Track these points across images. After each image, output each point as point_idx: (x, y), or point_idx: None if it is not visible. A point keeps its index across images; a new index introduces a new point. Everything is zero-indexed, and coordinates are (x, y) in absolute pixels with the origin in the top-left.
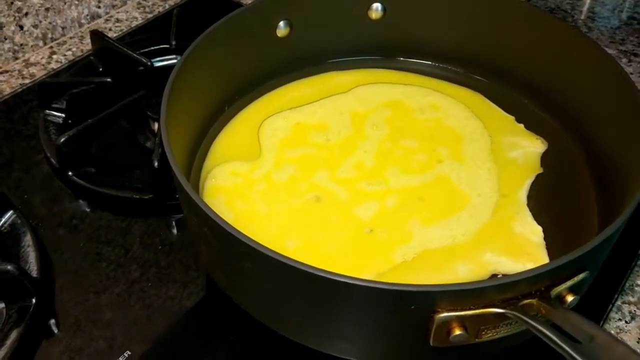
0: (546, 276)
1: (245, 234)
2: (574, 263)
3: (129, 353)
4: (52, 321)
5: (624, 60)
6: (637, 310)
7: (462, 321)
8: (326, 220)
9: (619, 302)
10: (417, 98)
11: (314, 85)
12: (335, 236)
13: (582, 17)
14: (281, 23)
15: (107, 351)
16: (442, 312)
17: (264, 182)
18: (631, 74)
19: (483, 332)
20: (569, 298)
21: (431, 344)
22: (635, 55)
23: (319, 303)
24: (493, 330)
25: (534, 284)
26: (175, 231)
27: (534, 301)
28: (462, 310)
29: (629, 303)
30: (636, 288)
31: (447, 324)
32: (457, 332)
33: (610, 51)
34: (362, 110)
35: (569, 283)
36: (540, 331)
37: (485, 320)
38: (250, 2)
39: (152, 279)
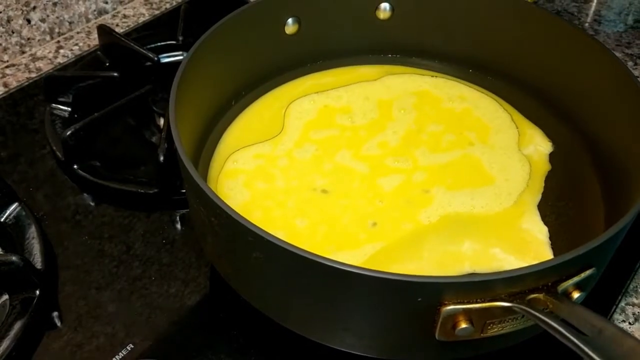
0: (553, 271)
1: (258, 212)
2: (581, 259)
3: (132, 346)
4: (55, 314)
5: (630, 63)
6: None
7: (469, 314)
8: (346, 191)
9: (622, 304)
10: (445, 89)
11: (335, 75)
12: (353, 205)
13: (589, 20)
14: (289, 20)
15: (110, 345)
16: (449, 304)
17: (286, 158)
18: (638, 77)
19: (489, 327)
20: (575, 294)
21: (437, 337)
22: None
23: (324, 293)
24: (499, 325)
25: (540, 279)
26: (179, 227)
27: (540, 296)
28: (468, 303)
29: (633, 305)
30: None
31: (453, 317)
32: (463, 325)
33: (616, 54)
34: (388, 97)
35: (575, 279)
36: (549, 324)
37: (491, 314)
38: None
39: (155, 275)
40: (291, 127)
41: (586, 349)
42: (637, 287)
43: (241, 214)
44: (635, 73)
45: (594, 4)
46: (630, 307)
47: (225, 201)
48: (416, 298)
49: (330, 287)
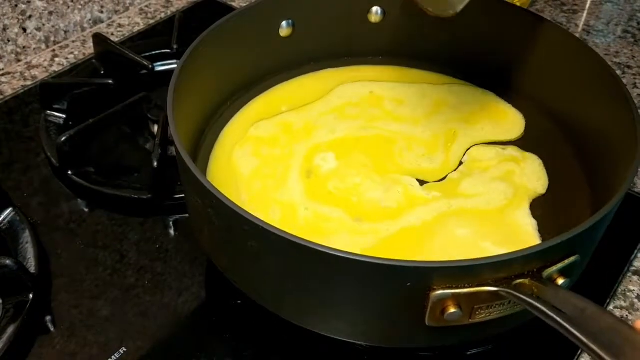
0: (538, 257)
1: (254, 203)
2: (565, 245)
3: (125, 350)
4: (49, 318)
5: (618, 72)
6: (629, 315)
7: (457, 299)
8: (357, 171)
9: (610, 307)
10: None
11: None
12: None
13: (579, 30)
14: (284, 23)
15: (103, 353)
16: (438, 289)
17: (302, 123)
18: (626, 85)
19: (477, 312)
20: (560, 280)
21: (427, 323)
22: (629, 67)
23: (317, 279)
24: (487, 311)
25: (526, 264)
26: (172, 233)
27: (526, 281)
28: (457, 288)
29: (621, 308)
30: (628, 293)
31: (442, 301)
32: (452, 310)
33: None
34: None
35: (559, 265)
36: (533, 305)
37: (479, 299)
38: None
39: (148, 284)
40: (328, 102)
41: (568, 326)
42: (625, 290)
43: (251, 179)
44: (623, 82)
45: (584, 15)
46: (618, 310)
47: (238, 169)
48: (405, 283)
49: (322, 273)
